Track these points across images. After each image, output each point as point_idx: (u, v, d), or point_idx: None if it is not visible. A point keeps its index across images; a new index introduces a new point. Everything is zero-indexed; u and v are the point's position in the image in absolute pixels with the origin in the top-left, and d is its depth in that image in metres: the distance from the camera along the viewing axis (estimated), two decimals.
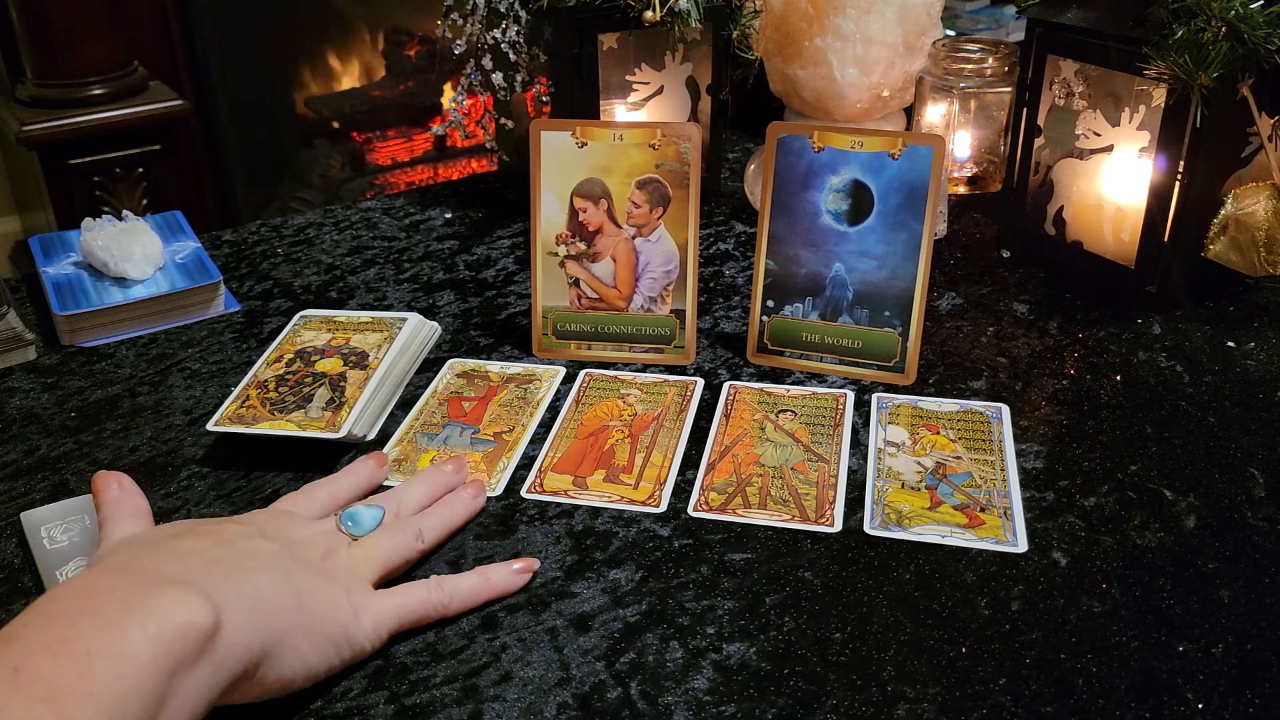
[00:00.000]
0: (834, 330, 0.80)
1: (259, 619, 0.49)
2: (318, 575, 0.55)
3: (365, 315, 0.82)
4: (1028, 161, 0.95)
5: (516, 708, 0.53)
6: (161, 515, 0.66)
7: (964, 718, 0.52)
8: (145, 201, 1.96)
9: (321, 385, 0.74)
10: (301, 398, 0.73)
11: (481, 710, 0.53)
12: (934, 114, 1.09)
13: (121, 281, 0.89)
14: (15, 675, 0.41)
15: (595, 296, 0.82)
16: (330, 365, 0.77)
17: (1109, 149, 0.89)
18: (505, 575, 0.60)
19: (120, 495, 0.59)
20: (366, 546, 0.59)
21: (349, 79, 2.61)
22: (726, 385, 0.79)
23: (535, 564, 0.61)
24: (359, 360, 0.77)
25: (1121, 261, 0.90)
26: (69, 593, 0.46)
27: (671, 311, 0.81)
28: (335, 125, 2.58)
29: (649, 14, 0.95)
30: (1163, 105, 0.82)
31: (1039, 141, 0.94)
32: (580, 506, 0.67)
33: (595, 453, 0.72)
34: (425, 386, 0.79)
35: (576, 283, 0.82)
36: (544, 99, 1.02)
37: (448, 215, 1.10)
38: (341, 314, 0.83)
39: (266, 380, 0.75)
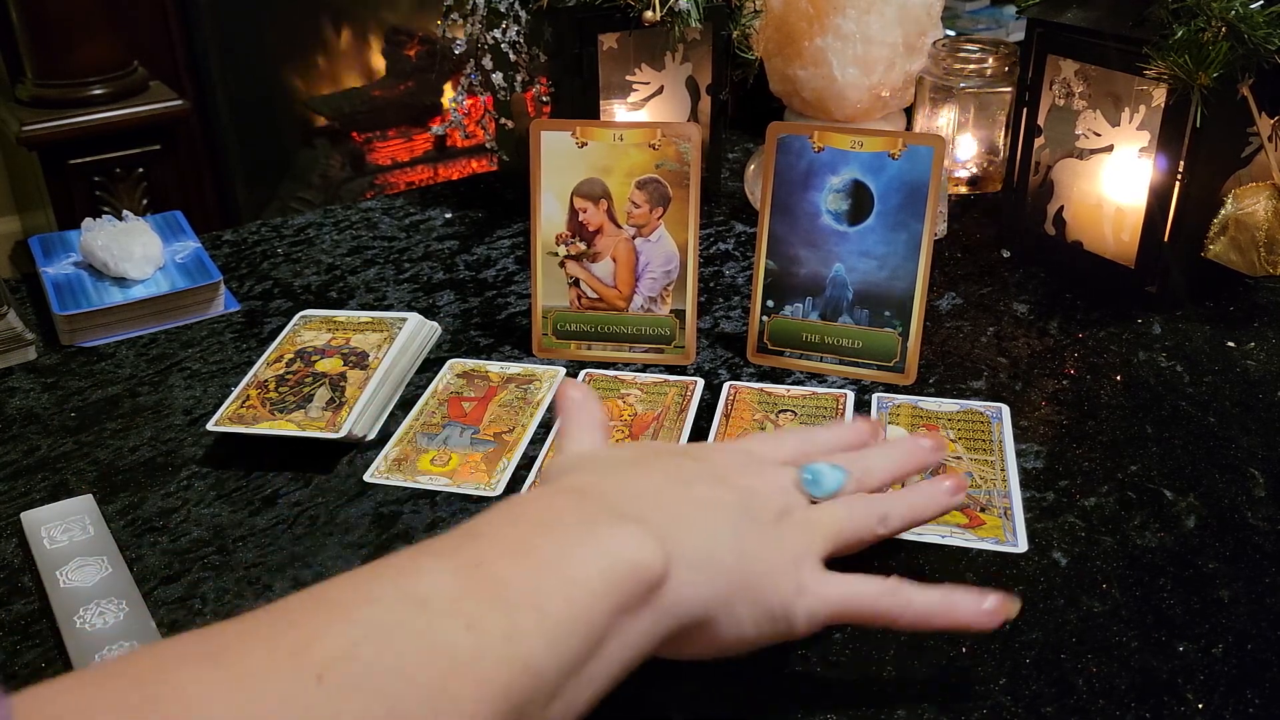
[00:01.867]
0: (834, 330, 0.80)
1: (704, 576, 0.46)
2: (769, 538, 0.49)
3: (365, 315, 0.82)
4: (1028, 161, 0.95)
5: None
6: (162, 515, 0.66)
7: (964, 718, 0.52)
8: (145, 201, 1.96)
9: (322, 385, 0.74)
10: (302, 398, 0.73)
11: None
12: (934, 114, 1.09)
13: (121, 281, 0.89)
14: (478, 571, 0.41)
15: (595, 296, 0.82)
16: (330, 365, 0.77)
17: (1109, 149, 0.89)
18: (973, 610, 0.50)
19: (581, 403, 0.55)
20: (825, 515, 0.52)
21: (349, 79, 2.61)
22: (727, 385, 0.79)
23: (1012, 608, 0.50)
24: (359, 360, 0.77)
25: (1121, 261, 0.90)
26: (528, 505, 0.45)
27: (671, 311, 0.81)
28: (335, 125, 2.58)
29: (649, 14, 0.95)
30: (1163, 105, 0.82)
31: (1039, 141, 0.94)
32: None
33: None
34: (425, 386, 0.79)
35: (576, 283, 0.82)
36: (544, 99, 1.02)
37: (448, 215, 1.10)
38: (341, 314, 0.83)
39: (267, 380, 0.75)
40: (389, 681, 0.36)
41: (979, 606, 0.50)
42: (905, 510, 0.54)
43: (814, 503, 0.53)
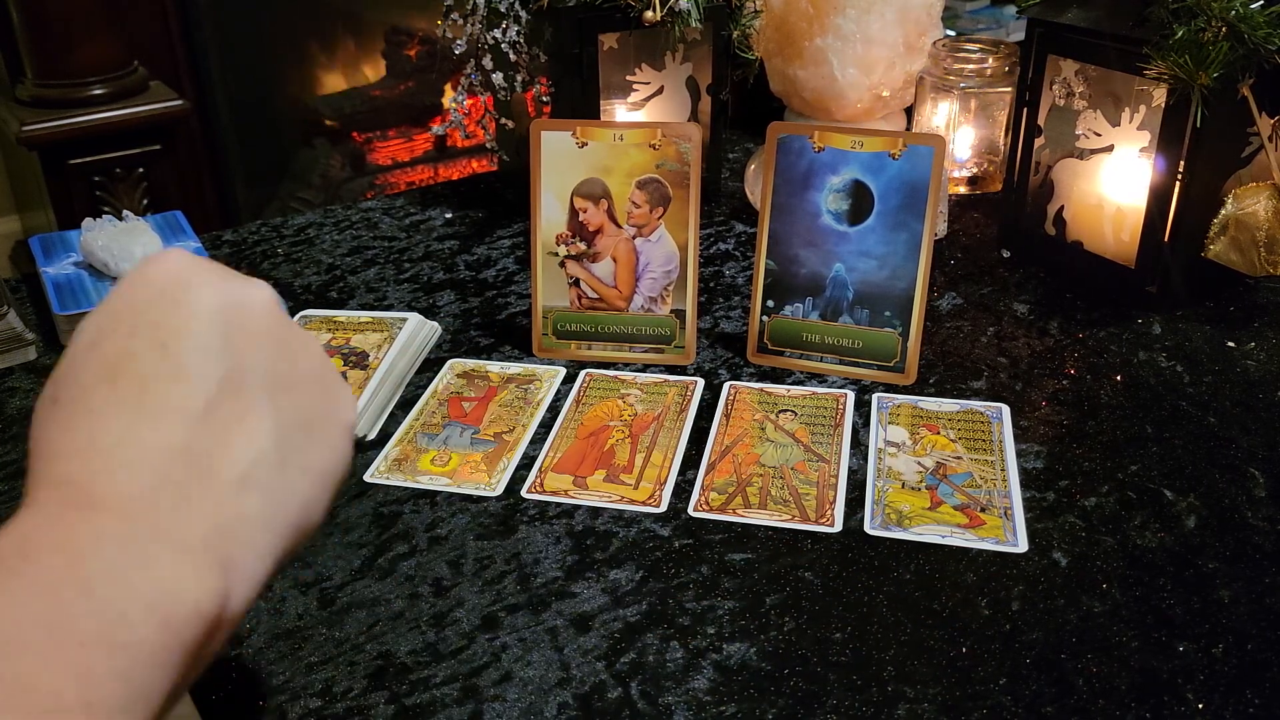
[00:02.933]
0: (834, 330, 0.80)
1: (258, 580, 0.38)
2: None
3: (365, 315, 0.82)
4: (1028, 161, 0.95)
5: (516, 708, 0.53)
6: None
7: (964, 718, 0.52)
8: (145, 201, 1.96)
9: None
10: None
11: (481, 710, 0.53)
12: (934, 114, 1.09)
13: None
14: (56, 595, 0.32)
15: (595, 296, 0.82)
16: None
17: (1109, 149, 0.89)
18: None
19: None
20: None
21: (349, 79, 2.61)
22: (727, 385, 0.79)
23: None
24: (359, 360, 0.77)
25: (1121, 261, 0.90)
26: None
27: (671, 311, 0.81)
28: (335, 125, 2.58)
29: (649, 14, 0.95)
30: (1163, 105, 0.82)
31: (1039, 141, 0.94)
32: (580, 506, 0.67)
33: (595, 453, 0.72)
34: (425, 386, 0.79)
35: (576, 283, 0.82)
36: (544, 99, 1.02)
37: (448, 215, 1.10)
38: (342, 314, 0.83)
39: None
40: None
41: None
42: None
43: None
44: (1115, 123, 0.88)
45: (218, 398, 0.38)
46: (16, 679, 0.30)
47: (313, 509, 0.41)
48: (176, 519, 0.36)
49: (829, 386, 0.79)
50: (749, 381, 0.79)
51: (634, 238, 0.80)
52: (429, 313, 0.89)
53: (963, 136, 1.11)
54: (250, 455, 0.38)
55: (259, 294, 0.41)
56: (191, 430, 0.37)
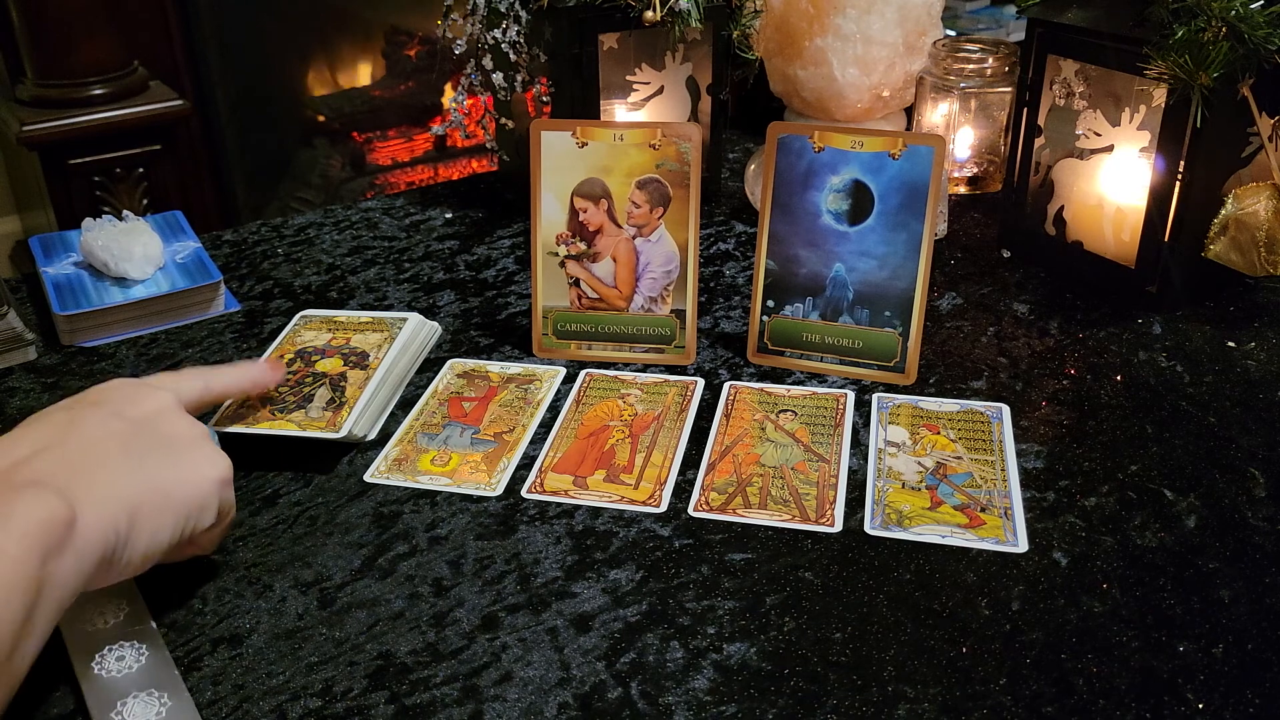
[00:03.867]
0: (834, 330, 0.80)
1: (111, 507, 0.53)
2: (164, 449, 0.57)
3: (365, 315, 0.82)
4: (1028, 161, 0.95)
5: (517, 708, 0.53)
6: None
7: (964, 718, 0.52)
8: (145, 201, 1.96)
9: (322, 385, 0.74)
10: (302, 398, 0.73)
11: (481, 710, 0.53)
12: (934, 114, 1.09)
13: (122, 281, 0.89)
14: None
15: (595, 296, 0.82)
16: (331, 365, 0.77)
17: (1109, 149, 0.89)
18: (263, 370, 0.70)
19: None
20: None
21: (349, 79, 2.61)
22: (727, 385, 0.79)
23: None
24: (359, 360, 0.77)
25: (1121, 261, 0.90)
26: None
27: (672, 311, 0.81)
28: (335, 125, 2.58)
29: (649, 14, 0.95)
30: (1163, 105, 0.82)
31: (1039, 141, 0.94)
32: (581, 506, 0.67)
33: (595, 453, 0.72)
34: (425, 386, 0.79)
35: (577, 283, 0.82)
36: (544, 99, 1.02)
37: (448, 215, 1.10)
38: (342, 314, 0.83)
39: None
40: None
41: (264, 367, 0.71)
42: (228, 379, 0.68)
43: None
44: (1115, 123, 0.88)
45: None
46: None
47: (139, 524, 0.54)
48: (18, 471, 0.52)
49: (829, 386, 0.79)
50: (749, 381, 0.79)
51: (634, 238, 0.80)
52: (429, 313, 0.89)
53: (963, 136, 1.11)
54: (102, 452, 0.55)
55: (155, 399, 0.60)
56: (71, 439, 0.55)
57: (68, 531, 0.50)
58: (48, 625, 0.49)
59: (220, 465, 0.59)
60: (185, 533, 0.56)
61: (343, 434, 0.70)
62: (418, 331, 0.81)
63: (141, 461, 0.55)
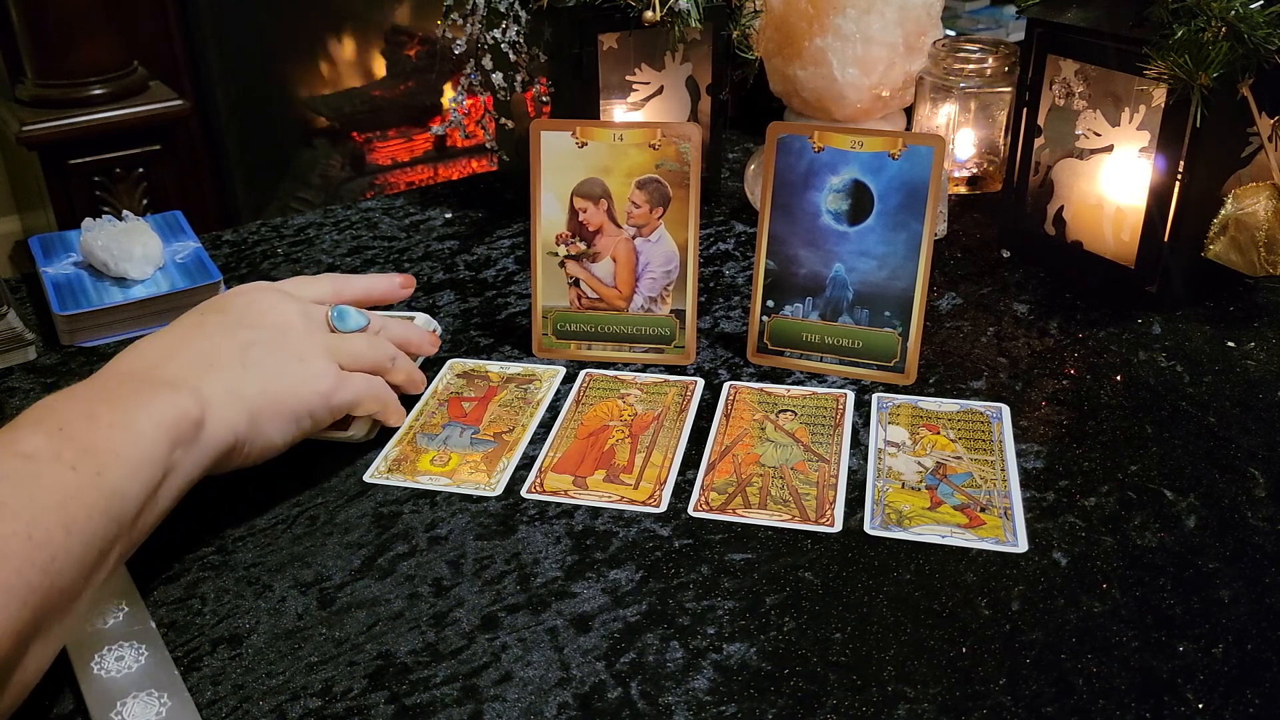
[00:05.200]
0: (834, 330, 0.80)
1: (233, 410, 0.61)
2: (292, 363, 0.65)
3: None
4: (1028, 161, 0.95)
5: (516, 708, 0.53)
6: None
7: (964, 718, 0.52)
8: (145, 201, 1.96)
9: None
10: None
11: (481, 710, 0.53)
12: (934, 114, 1.09)
13: (121, 281, 0.89)
14: (62, 433, 0.53)
15: (595, 296, 0.82)
16: None
17: (1109, 149, 0.89)
18: (421, 334, 0.77)
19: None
20: (347, 341, 0.69)
21: (349, 79, 2.61)
22: (726, 385, 0.79)
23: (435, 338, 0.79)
24: None
25: (1121, 261, 0.90)
26: (86, 389, 0.59)
27: (671, 311, 0.81)
28: (335, 125, 2.58)
29: (649, 14, 0.95)
30: (1163, 105, 0.82)
31: (1039, 141, 0.94)
32: (580, 506, 0.67)
33: (595, 453, 0.72)
34: (425, 386, 0.79)
35: (576, 283, 0.82)
36: (544, 99, 1.02)
37: (448, 215, 1.10)
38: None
39: None
40: (24, 508, 0.49)
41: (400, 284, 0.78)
42: (405, 364, 0.73)
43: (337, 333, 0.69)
44: (1115, 123, 0.88)
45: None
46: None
47: (257, 427, 0.63)
48: (169, 372, 0.61)
49: (829, 386, 0.79)
50: (749, 381, 0.79)
51: (634, 238, 0.80)
52: (429, 313, 0.89)
53: (963, 137, 1.11)
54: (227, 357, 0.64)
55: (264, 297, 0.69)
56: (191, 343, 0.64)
57: (197, 428, 0.58)
58: (168, 504, 0.58)
59: (327, 379, 0.66)
60: (299, 433, 0.66)
61: (347, 433, 0.70)
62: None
63: (259, 370, 0.63)
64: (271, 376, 0.64)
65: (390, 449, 0.72)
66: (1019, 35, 1.17)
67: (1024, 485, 0.68)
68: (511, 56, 1.02)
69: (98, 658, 0.55)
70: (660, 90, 1.06)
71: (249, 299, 0.68)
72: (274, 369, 0.64)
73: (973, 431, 0.73)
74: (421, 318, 0.81)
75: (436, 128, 2.62)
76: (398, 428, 0.74)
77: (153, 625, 0.58)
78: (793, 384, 0.79)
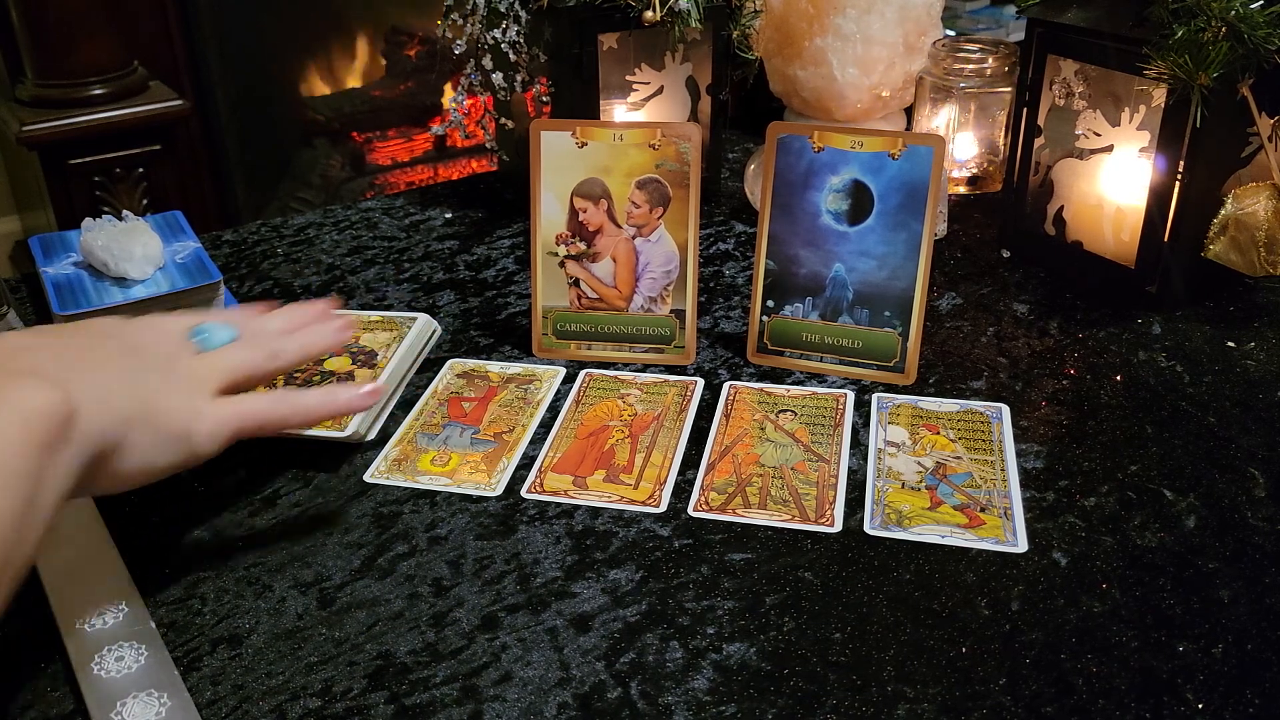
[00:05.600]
0: (834, 330, 0.80)
1: (106, 407, 0.52)
2: (162, 376, 0.57)
3: (375, 314, 0.83)
4: (1028, 161, 0.95)
5: (516, 708, 0.53)
6: (162, 514, 0.66)
7: (964, 718, 0.52)
8: (145, 201, 1.96)
9: (329, 384, 0.74)
10: None
11: (481, 710, 0.53)
12: (934, 114, 1.09)
13: (121, 281, 0.88)
14: None
15: (595, 296, 0.82)
16: (338, 364, 0.77)
17: (1109, 149, 0.89)
18: (351, 396, 0.64)
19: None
20: (219, 355, 0.61)
21: (349, 79, 2.61)
22: (726, 385, 0.79)
23: (382, 389, 0.67)
24: (367, 359, 0.77)
25: (1121, 261, 0.90)
26: None
27: (671, 311, 0.81)
28: (335, 125, 2.57)
29: (649, 14, 0.95)
30: (1163, 105, 0.82)
31: (1039, 141, 0.94)
32: (580, 506, 0.67)
33: (595, 453, 0.72)
34: (425, 386, 0.79)
35: (576, 283, 0.82)
36: (544, 99, 1.02)
37: (448, 215, 1.10)
38: (350, 313, 0.83)
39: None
40: None
41: (356, 393, 0.64)
42: (296, 346, 0.64)
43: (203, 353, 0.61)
44: (1115, 123, 0.88)
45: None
46: None
47: (132, 437, 0.54)
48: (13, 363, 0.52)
49: (829, 386, 0.79)
50: (749, 381, 0.79)
51: (634, 238, 0.80)
52: (429, 313, 0.89)
53: (963, 137, 1.11)
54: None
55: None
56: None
57: (67, 424, 0.49)
58: (47, 518, 0.49)
59: (201, 407, 0.58)
60: (174, 460, 0.57)
61: (349, 433, 0.70)
62: (424, 332, 0.81)
63: (135, 377, 0.56)
64: (147, 387, 0.56)
65: (390, 449, 0.72)
66: (1019, 35, 1.17)
67: (1024, 485, 0.68)
68: (511, 56, 1.02)
69: (98, 658, 0.55)
70: (660, 90, 1.06)
71: (109, 320, 0.61)
72: (148, 380, 0.56)
73: (973, 431, 0.73)
74: (423, 318, 0.81)
75: (436, 128, 2.62)
76: (392, 425, 0.74)
77: (152, 625, 0.58)
78: (793, 384, 0.79)
